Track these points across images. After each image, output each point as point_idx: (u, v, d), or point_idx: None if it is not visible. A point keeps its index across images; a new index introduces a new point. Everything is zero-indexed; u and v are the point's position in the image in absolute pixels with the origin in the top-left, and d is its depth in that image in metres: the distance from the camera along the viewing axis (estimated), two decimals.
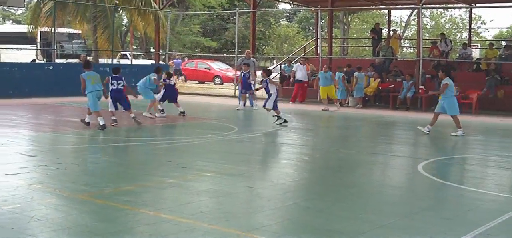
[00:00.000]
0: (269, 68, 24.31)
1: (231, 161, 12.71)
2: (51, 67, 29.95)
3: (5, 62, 33.62)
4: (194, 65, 50.63)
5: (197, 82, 47.12)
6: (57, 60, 36.91)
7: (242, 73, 25.02)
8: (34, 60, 43.05)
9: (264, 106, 19.47)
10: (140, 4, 36.83)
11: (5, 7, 31.66)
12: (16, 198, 8.67)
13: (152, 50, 53.85)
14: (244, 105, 25.13)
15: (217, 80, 48.34)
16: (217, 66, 51.32)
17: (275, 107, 19.12)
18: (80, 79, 17.02)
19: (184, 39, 63.53)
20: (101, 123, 16.79)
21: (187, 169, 11.28)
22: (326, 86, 26.04)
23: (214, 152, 13.86)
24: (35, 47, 43.80)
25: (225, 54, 60.80)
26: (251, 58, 27.32)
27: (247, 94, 25.20)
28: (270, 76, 19.71)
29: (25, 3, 27.71)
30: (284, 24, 72.58)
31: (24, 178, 10.15)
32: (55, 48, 35.61)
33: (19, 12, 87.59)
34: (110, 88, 17.68)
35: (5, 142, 14.61)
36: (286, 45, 62.24)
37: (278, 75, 34.40)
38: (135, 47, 61.69)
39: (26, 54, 40.77)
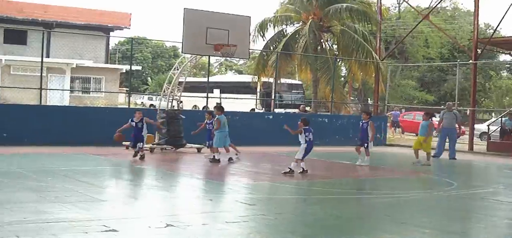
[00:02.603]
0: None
1: (450, 218, 12.28)
2: (270, 117, 30.56)
3: (227, 111, 34.67)
4: (412, 117, 50.02)
5: (414, 134, 46.35)
6: (276, 110, 37.81)
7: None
8: (253, 109, 44.37)
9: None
10: (361, 55, 37.02)
11: (228, 58, 32.84)
12: None
13: (370, 101, 53.89)
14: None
15: (435, 132, 47.39)
16: (435, 118, 50.34)
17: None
18: (217, 121, 20.94)
19: (402, 91, 63.18)
20: (217, 157, 20.47)
21: (406, 225, 11.02)
22: (421, 136, 23.38)
23: (433, 208, 13.45)
24: (255, 97, 45.15)
25: (443, 107, 59.73)
26: (454, 110, 26.88)
27: None
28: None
29: (250, 55, 28.62)
30: (505, 76, 70.37)
31: (244, 226, 10.33)
32: (275, 98, 36.51)
33: (241, 62, 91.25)
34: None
35: (226, 189, 15.05)
36: (507, 98, 60.23)
37: (499, 129, 33.31)
38: (352, 98, 62.03)
39: (246, 103, 42.04)
